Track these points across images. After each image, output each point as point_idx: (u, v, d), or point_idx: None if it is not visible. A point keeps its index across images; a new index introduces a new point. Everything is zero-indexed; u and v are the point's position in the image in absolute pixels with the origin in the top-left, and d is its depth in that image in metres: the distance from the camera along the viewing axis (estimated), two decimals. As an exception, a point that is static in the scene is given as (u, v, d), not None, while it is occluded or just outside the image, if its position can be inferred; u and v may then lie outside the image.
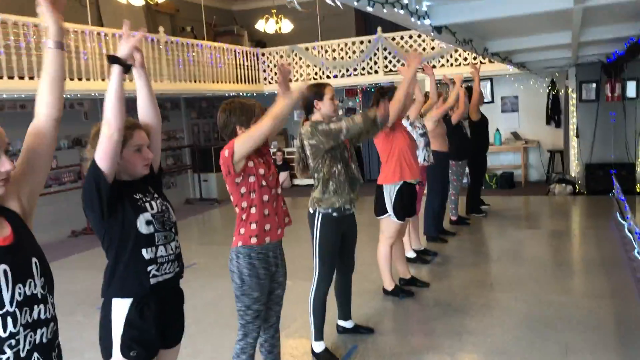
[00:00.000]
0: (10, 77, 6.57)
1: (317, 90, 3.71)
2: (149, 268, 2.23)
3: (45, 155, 1.78)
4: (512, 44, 5.02)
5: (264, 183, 2.92)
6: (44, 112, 1.79)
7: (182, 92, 9.92)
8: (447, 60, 10.30)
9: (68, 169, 8.71)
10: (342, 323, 4.25)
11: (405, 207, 4.70)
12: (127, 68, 2.16)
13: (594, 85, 9.26)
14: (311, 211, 3.78)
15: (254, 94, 11.97)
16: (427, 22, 2.99)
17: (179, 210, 9.74)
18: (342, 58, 11.01)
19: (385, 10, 2.53)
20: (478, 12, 2.97)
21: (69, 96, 7.98)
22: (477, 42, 4.53)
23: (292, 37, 11.47)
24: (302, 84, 3.12)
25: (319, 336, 3.86)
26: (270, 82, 11.67)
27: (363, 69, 10.90)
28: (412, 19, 2.81)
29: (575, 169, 9.68)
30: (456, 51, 10.03)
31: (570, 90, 9.71)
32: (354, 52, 10.93)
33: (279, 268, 3.09)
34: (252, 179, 2.90)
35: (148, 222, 2.22)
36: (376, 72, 10.80)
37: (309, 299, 3.86)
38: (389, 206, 4.64)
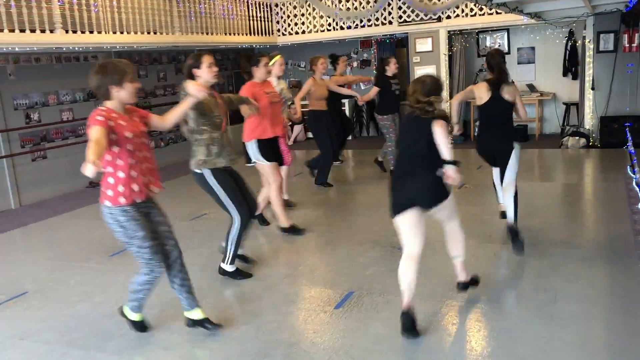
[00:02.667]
0: (22, 30, 6.65)
1: (195, 59, 4.18)
2: None
3: None
4: (518, -6, 4.92)
5: (129, 147, 3.22)
6: None
7: (194, 44, 9.92)
8: (462, 11, 10.09)
9: (84, 122, 8.87)
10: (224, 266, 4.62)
11: (269, 153, 5.37)
12: None
13: (612, 35, 9.03)
14: (198, 171, 4.24)
15: (268, 46, 11.92)
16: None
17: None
18: (356, 8, 10.85)
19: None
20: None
21: (81, 49, 8.06)
22: (479, -8, 4.45)
23: (305, -13, 11.30)
24: None
25: (234, 261, 4.55)
26: (283, 34, 11.59)
27: (377, 19, 10.74)
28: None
29: (590, 121, 9.55)
30: (472, 1, 9.82)
31: (587, 40, 9.48)
32: (367, 2, 10.75)
33: (153, 209, 3.47)
34: (115, 149, 3.18)
35: None
36: (390, 22, 10.64)
37: (231, 234, 4.43)
38: (255, 156, 5.37)
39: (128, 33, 8.16)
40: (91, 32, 7.58)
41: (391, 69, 7.89)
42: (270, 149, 5.40)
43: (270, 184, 5.47)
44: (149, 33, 8.54)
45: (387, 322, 3.68)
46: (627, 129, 8.63)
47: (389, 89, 7.91)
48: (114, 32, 7.93)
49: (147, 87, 10.23)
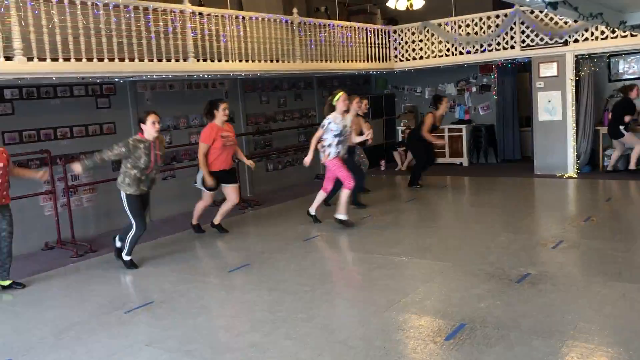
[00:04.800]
0: (159, 60, 7.26)
1: (144, 115, 5.74)
2: None
3: None
4: (656, 15, 4.58)
5: None
6: None
7: (314, 71, 10.25)
8: (592, 34, 9.55)
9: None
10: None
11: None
12: None
13: None
14: (119, 187, 5.82)
15: (384, 72, 12.02)
16: (539, -2, 2.87)
17: (309, 185, 9.98)
18: (477, 33, 10.66)
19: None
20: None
21: (210, 76, 8.62)
22: (610, 14, 4.20)
23: (424, 13, 11.28)
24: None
25: (130, 253, 5.98)
26: (400, 60, 11.64)
27: (498, 44, 10.47)
28: (520, -4, 2.72)
29: None
30: (602, 23, 9.26)
31: None
32: (489, 26, 10.52)
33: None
34: None
35: None
36: (512, 47, 10.31)
37: (129, 236, 5.85)
38: (199, 181, 6.93)
39: (253, 61, 8.62)
40: (219, 60, 8.10)
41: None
42: (215, 178, 6.84)
43: (204, 200, 7.16)
44: (272, 61, 8.97)
45: (500, 357, 3.51)
46: None
47: None
48: (240, 61, 8.42)
49: (267, 113, 10.69)
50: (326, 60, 10.12)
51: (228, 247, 6.70)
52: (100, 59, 6.62)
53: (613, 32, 9.25)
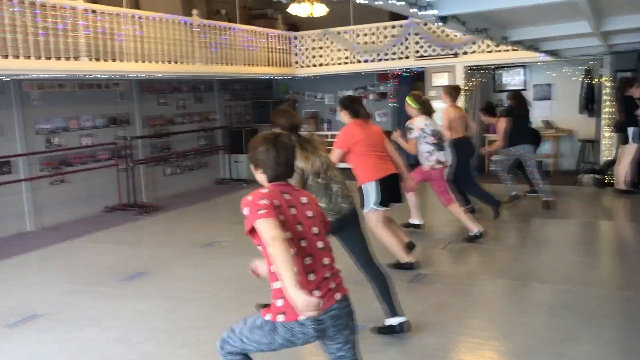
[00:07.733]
0: (48, 58, 6.85)
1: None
2: None
3: None
4: (533, 33, 4.97)
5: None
6: None
7: (215, 75, 10.11)
8: (479, 47, 10.18)
9: (103, 147, 9.04)
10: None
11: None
12: None
13: (630, 74, 9.02)
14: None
15: (286, 77, 12.10)
16: (431, 12, 3.03)
17: (209, 190, 9.88)
18: (374, 43, 11.01)
19: (379, 2, 2.57)
20: (484, 3, 2.99)
21: (104, 77, 8.25)
22: (495, 30, 4.52)
23: (325, 20, 11.47)
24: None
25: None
26: (301, 66, 11.76)
27: (394, 53, 10.88)
28: (412, 10, 2.85)
29: (606, 159, 9.49)
30: (488, 37, 9.91)
31: (604, 79, 9.49)
32: (385, 36, 10.91)
33: None
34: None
35: None
36: (407, 57, 10.76)
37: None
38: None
39: (150, 62, 8.35)
40: (114, 60, 7.77)
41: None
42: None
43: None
44: (169, 62, 8.73)
45: (394, 356, 3.64)
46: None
47: None
48: (137, 61, 8.13)
49: (166, 115, 10.41)
50: (227, 64, 10.01)
51: (124, 255, 6.43)
52: (-21, 55, 6.14)
53: (497, 46, 9.91)
